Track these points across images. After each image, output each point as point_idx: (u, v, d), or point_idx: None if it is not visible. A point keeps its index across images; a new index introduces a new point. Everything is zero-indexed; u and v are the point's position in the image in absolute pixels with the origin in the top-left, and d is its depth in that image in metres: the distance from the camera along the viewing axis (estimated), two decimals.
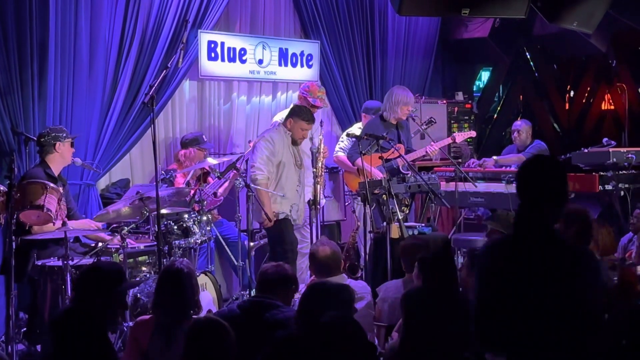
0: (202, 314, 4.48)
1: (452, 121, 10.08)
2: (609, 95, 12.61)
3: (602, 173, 7.66)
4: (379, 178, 6.97)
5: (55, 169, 6.16)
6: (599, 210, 8.40)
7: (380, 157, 6.79)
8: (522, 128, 8.81)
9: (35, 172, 5.98)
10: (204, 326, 3.52)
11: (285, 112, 7.34)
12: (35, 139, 6.39)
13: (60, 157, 6.20)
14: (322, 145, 7.44)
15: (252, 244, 6.97)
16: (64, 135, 6.22)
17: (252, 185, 6.77)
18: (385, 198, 6.43)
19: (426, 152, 7.76)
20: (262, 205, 6.78)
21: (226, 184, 7.26)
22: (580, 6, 7.94)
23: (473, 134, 8.68)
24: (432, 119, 8.02)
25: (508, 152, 8.96)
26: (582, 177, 8.03)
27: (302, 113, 7.09)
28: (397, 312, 4.82)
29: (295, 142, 7.08)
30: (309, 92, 7.56)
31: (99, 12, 7.04)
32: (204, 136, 7.62)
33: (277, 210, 6.89)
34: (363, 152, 6.69)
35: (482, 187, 7.91)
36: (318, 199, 7.26)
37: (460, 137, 8.25)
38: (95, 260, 5.57)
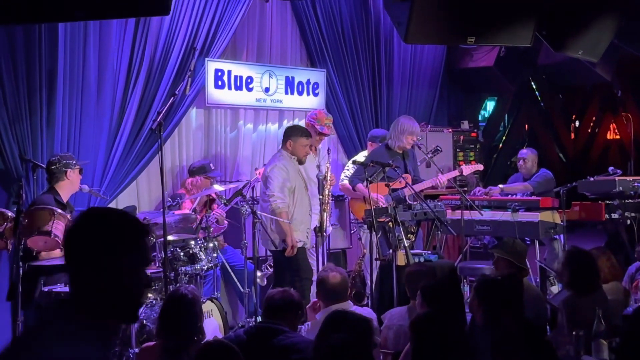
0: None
1: (457, 150, 10.09)
2: (614, 124, 12.67)
3: (608, 202, 7.67)
4: (382, 204, 6.97)
5: (65, 196, 6.16)
6: (605, 238, 8.40)
7: (387, 185, 6.79)
8: (528, 156, 8.79)
9: (46, 199, 5.97)
10: (214, 349, 3.51)
11: None
12: (43, 166, 6.41)
13: (70, 184, 6.20)
14: (329, 173, 7.46)
15: (259, 273, 6.95)
16: (74, 162, 6.23)
17: (270, 215, 6.79)
18: (391, 225, 6.42)
19: (434, 183, 7.70)
20: (284, 233, 6.82)
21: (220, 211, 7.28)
22: (586, 35, 7.97)
23: (480, 167, 8.59)
24: (437, 148, 8.02)
25: (514, 180, 8.95)
26: (588, 205, 8.05)
27: (297, 130, 7.16)
28: (402, 339, 4.80)
29: (300, 162, 7.11)
30: (317, 120, 7.59)
31: (107, 40, 7.09)
32: (211, 164, 7.64)
33: (296, 238, 6.91)
34: (369, 179, 6.68)
35: (488, 215, 7.93)
36: (324, 227, 7.27)
37: (468, 169, 8.20)
38: None
